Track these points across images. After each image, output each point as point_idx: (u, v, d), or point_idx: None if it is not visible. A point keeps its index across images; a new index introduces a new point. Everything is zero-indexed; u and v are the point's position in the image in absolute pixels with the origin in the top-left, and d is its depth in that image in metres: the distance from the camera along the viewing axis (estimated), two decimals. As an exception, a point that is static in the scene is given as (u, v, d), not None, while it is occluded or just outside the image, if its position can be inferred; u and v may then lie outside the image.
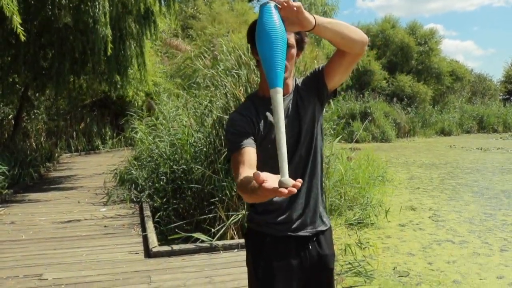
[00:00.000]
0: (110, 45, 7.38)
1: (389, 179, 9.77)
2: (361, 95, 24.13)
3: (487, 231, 5.96)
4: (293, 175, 1.32)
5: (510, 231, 5.91)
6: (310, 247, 1.84)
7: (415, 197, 8.26)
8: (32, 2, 8.40)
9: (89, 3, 7.42)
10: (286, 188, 1.17)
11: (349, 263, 4.52)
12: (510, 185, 9.38)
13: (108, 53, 7.47)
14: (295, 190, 1.17)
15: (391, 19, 31.22)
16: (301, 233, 1.82)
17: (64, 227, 5.69)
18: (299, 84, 1.85)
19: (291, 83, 1.82)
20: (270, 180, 1.21)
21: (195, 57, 7.59)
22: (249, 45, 1.82)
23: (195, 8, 23.26)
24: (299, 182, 1.18)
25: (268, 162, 1.65)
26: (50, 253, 4.62)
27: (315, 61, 17.95)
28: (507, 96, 40.34)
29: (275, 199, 1.72)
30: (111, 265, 4.25)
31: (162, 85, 14.92)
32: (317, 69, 1.83)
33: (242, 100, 5.18)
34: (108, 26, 7.32)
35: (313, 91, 1.82)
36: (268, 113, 1.77)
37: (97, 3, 7.27)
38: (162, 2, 9.04)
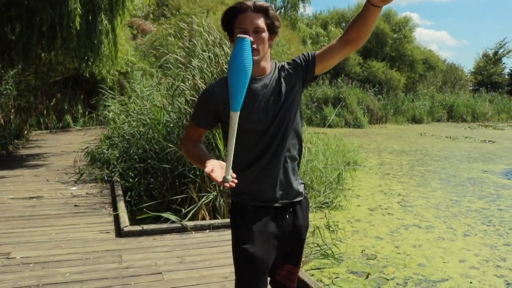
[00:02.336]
0: (78, 19, 7.18)
1: (361, 164, 9.94)
2: (334, 80, 24.27)
3: (452, 216, 6.15)
4: (268, 148, 1.88)
5: (474, 217, 6.12)
6: (287, 217, 1.98)
7: (385, 182, 8.44)
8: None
9: None
10: (228, 182, 1.61)
11: (318, 245, 4.60)
12: (475, 173, 9.67)
13: (77, 28, 7.27)
14: (233, 185, 1.62)
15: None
16: (277, 204, 1.95)
17: (33, 205, 5.59)
18: (286, 66, 1.96)
19: (267, 65, 1.93)
20: (216, 170, 1.63)
21: (170, 36, 7.47)
22: (226, 33, 1.97)
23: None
24: (233, 183, 1.62)
25: (241, 140, 1.78)
26: (18, 232, 4.54)
27: (289, 43, 17.93)
28: (476, 87, 41.29)
29: (250, 174, 1.92)
30: (81, 244, 4.22)
31: (136, 64, 14.69)
32: (308, 56, 1.94)
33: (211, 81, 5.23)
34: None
35: (299, 74, 1.94)
36: (247, 94, 1.79)
37: None
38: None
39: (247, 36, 1.65)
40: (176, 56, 5.91)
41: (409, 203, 6.87)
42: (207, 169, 1.61)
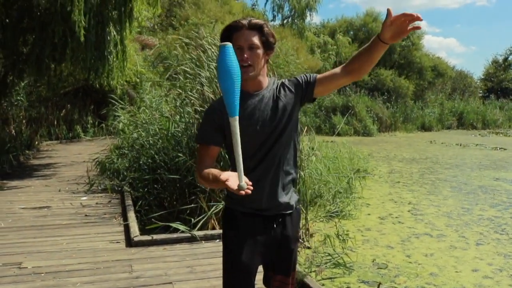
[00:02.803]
0: (82, 31, 7.25)
1: (370, 172, 9.90)
2: (343, 89, 24.25)
3: (464, 225, 6.09)
4: (261, 160, 1.95)
5: (486, 226, 6.05)
6: (275, 226, 2.03)
7: (395, 190, 8.38)
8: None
9: None
10: (243, 190, 1.65)
11: (329, 254, 4.58)
12: (487, 180, 9.58)
13: (81, 39, 7.35)
14: (249, 191, 1.66)
15: (373, 12, 31.35)
16: (266, 213, 2.02)
17: (44, 215, 5.63)
18: (285, 83, 2.03)
19: (263, 80, 2.01)
20: (231, 179, 1.66)
21: (178, 47, 7.52)
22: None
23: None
24: (249, 189, 1.66)
25: (243, 150, 1.87)
26: (30, 242, 4.58)
27: (296, 52, 17.94)
28: (486, 94, 41.01)
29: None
30: (92, 254, 4.23)
31: (144, 74, 14.78)
32: (309, 78, 2.01)
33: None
34: (82, 11, 7.17)
35: (298, 94, 2.01)
36: (240, 108, 1.88)
37: None
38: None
39: (228, 43, 1.75)
40: (184, 68, 5.93)
41: (420, 212, 6.81)
42: (222, 177, 1.66)
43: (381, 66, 27.85)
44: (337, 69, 1.97)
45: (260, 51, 1.93)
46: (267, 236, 2.02)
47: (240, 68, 1.82)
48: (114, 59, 9.14)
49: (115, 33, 8.73)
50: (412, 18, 1.69)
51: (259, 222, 2.01)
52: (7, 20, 8.71)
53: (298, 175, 2.21)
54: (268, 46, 1.96)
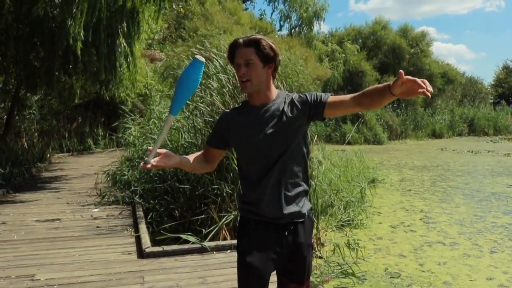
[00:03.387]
0: (80, 45, 7.32)
1: (381, 180, 9.84)
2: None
3: (477, 233, 6.02)
4: (269, 171, 2.01)
5: (500, 233, 5.98)
6: (286, 234, 2.06)
7: (407, 199, 8.33)
8: (23, 0, 8.34)
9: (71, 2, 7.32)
10: (147, 164, 1.92)
11: (338, 264, 4.55)
12: (500, 187, 9.48)
13: (78, 53, 7.42)
14: (146, 167, 1.93)
15: (381, 21, 31.29)
16: (279, 222, 2.05)
17: (56, 227, 5.67)
18: (295, 98, 2.07)
19: (269, 94, 2.06)
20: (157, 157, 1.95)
21: (187, 58, 7.58)
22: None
23: (188, 8, 23.23)
24: (149, 165, 1.92)
25: (245, 164, 2.11)
26: (43, 254, 4.60)
27: (305, 61, 17.95)
28: (497, 100, 40.68)
29: (255, 193, 2.06)
30: (104, 266, 4.25)
31: (154, 86, 14.90)
32: (320, 98, 2.03)
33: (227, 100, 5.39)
34: (82, 25, 7.23)
35: (305, 111, 2.03)
36: (248, 120, 2.05)
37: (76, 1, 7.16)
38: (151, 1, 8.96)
39: (201, 59, 1.92)
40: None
41: (432, 220, 6.75)
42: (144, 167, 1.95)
43: (390, 73, 27.78)
44: (348, 97, 2.02)
45: (258, 66, 1.99)
46: (279, 243, 2.05)
47: (240, 83, 2.01)
48: (125, 71, 9.24)
49: (125, 45, 8.82)
50: (421, 88, 1.74)
51: (272, 230, 2.05)
52: (19, 35, 8.84)
53: (310, 187, 2.22)
54: (266, 59, 2.00)
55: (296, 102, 2.05)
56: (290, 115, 2.02)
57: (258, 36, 2.02)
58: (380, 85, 1.94)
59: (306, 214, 2.11)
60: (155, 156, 1.93)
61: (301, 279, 2.13)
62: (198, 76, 1.93)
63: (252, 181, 2.06)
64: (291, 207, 2.05)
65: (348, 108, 2.03)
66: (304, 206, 2.11)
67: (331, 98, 2.03)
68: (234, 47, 2.03)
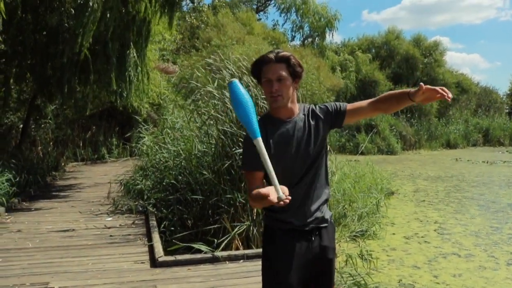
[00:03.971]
0: (85, 51, 7.40)
1: (395, 191, 9.76)
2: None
3: (493, 244, 5.94)
4: (301, 183, 2.08)
5: (516, 245, 5.89)
6: (313, 239, 2.12)
7: (421, 209, 8.24)
8: (40, 11, 8.49)
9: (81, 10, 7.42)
10: (283, 200, 1.78)
11: (350, 274, 4.50)
12: (516, 198, 9.34)
13: (81, 58, 7.50)
14: (287, 201, 1.79)
15: (394, 31, 31.21)
16: (305, 228, 2.11)
17: (70, 236, 5.71)
18: (316, 110, 2.17)
19: (294, 107, 2.14)
20: (271, 194, 1.79)
21: (200, 69, 7.64)
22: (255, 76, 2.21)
23: (201, 18, 23.43)
24: (288, 199, 1.80)
25: (278, 173, 1.97)
26: (57, 262, 4.64)
27: (317, 70, 17.94)
28: (513, 109, 40.14)
29: (286, 206, 2.01)
30: (117, 274, 4.26)
31: (168, 96, 15.01)
32: (339, 107, 2.16)
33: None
34: (92, 34, 7.31)
35: (327, 121, 2.15)
36: (276, 134, 2.09)
37: (88, 9, 7.25)
38: (165, 11, 9.03)
39: (234, 79, 1.97)
40: (208, 89, 6.00)
41: (447, 231, 6.67)
42: (263, 193, 1.80)
43: (403, 83, 27.63)
44: (365, 103, 2.16)
45: (289, 82, 2.06)
46: (306, 249, 2.10)
47: (270, 98, 2.06)
48: (137, 81, 9.31)
49: (136, 54, 8.88)
50: (443, 96, 1.91)
51: (298, 237, 2.10)
52: (35, 45, 8.98)
53: (330, 194, 2.28)
54: (295, 75, 2.09)
55: (319, 113, 2.15)
56: (317, 127, 2.12)
57: (288, 53, 2.09)
58: (397, 91, 2.11)
59: (329, 219, 2.20)
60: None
61: (328, 285, 2.18)
62: (240, 94, 1.94)
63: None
64: (317, 213, 2.13)
65: (366, 114, 2.20)
66: (326, 212, 2.20)
67: (349, 106, 2.17)
68: (263, 63, 2.07)
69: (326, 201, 2.21)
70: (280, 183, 1.97)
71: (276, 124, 2.09)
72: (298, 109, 2.15)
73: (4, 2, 5.75)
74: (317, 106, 2.19)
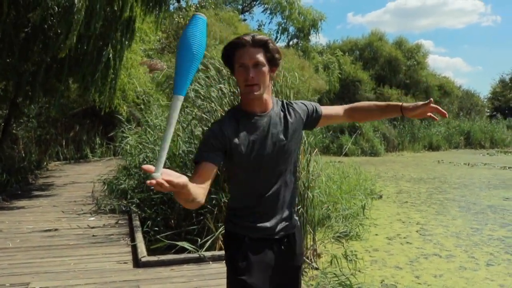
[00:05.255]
0: (66, 51, 7.31)
1: (378, 192, 9.84)
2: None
3: (473, 245, 6.03)
4: (273, 184, 1.91)
5: (496, 246, 5.99)
6: (283, 247, 1.99)
7: (403, 211, 8.33)
8: (22, 8, 8.35)
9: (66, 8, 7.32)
10: (155, 179, 1.39)
11: (335, 275, 4.54)
12: (496, 200, 9.50)
13: (63, 55, 7.40)
14: (152, 182, 1.38)
15: (378, 33, 31.56)
16: (276, 236, 1.97)
17: (52, 235, 5.64)
18: (293, 106, 2.01)
19: (269, 100, 1.93)
20: (151, 169, 1.43)
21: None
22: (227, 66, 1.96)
23: (187, 18, 23.33)
24: (160, 181, 1.39)
25: (248, 177, 1.89)
26: (38, 262, 4.58)
27: (301, 70, 18.04)
28: (494, 113, 40.84)
29: (253, 208, 1.93)
30: (99, 275, 4.22)
31: (152, 95, 14.91)
32: (316, 109, 2.06)
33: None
34: (75, 33, 7.22)
35: (303, 119, 2.02)
36: (250, 131, 1.87)
37: (73, 9, 7.15)
38: (151, 10, 8.95)
39: (202, 15, 1.62)
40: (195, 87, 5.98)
41: (428, 232, 6.76)
42: (145, 167, 1.44)
43: (387, 86, 27.90)
44: (340, 110, 2.10)
45: (266, 69, 1.84)
46: (276, 257, 1.98)
47: (244, 88, 1.81)
48: (116, 79, 9.19)
49: (115, 54, 8.74)
50: (439, 112, 1.94)
51: (268, 245, 1.96)
52: (16, 42, 8.84)
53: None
54: (273, 62, 1.87)
55: (297, 109, 1.99)
56: (295, 122, 1.96)
57: (266, 37, 1.86)
58: (382, 103, 2.05)
59: (297, 224, 2.08)
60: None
61: None
62: (202, 37, 1.59)
63: (252, 194, 1.93)
64: (287, 220, 2.00)
65: (339, 120, 2.15)
66: (294, 217, 2.06)
67: (324, 110, 2.06)
68: (237, 46, 1.83)
69: (295, 205, 2.09)
70: (254, 186, 1.89)
71: (249, 119, 1.87)
72: (272, 103, 1.95)
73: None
74: (293, 102, 2.02)
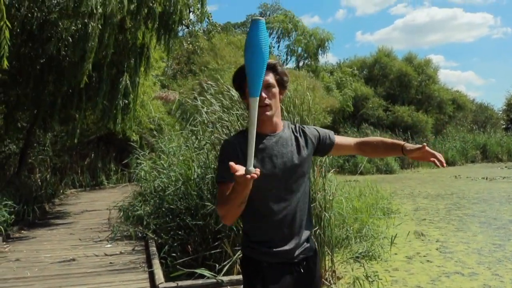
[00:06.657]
0: (85, 80, 7.44)
1: (395, 210, 9.71)
2: (361, 128, 24.32)
3: (496, 262, 5.88)
4: (286, 200, 1.92)
5: (520, 262, 5.84)
6: (302, 271, 1.99)
7: (422, 228, 8.19)
8: (36, 40, 8.55)
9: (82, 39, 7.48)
10: (250, 174, 1.55)
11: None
12: (517, 214, 9.30)
13: (82, 85, 7.53)
14: (255, 176, 1.56)
15: (385, 50, 31.52)
16: (294, 260, 1.98)
17: (70, 264, 5.65)
18: (305, 130, 2.08)
19: (279, 122, 2.00)
20: (240, 170, 1.56)
21: (197, 93, 7.69)
22: (238, 91, 2.05)
23: (197, 44, 23.66)
24: (258, 172, 1.57)
25: (256, 192, 1.84)
26: (56, 291, 4.58)
27: (313, 91, 18.10)
28: (509, 125, 40.30)
29: (269, 231, 1.94)
30: (117, 303, 4.21)
31: (165, 121, 15.04)
32: (329, 137, 2.11)
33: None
34: (90, 60, 7.34)
35: (315, 146, 2.08)
36: (259, 150, 1.90)
37: (90, 38, 7.32)
38: (161, 36, 9.09)
39: (262, 18, 1.70)
40: (206, 111, 6.01)
41: (449, 249, 6.62)
42: (233, 166, 1.56)
43: (399, 103, 27.73)
44: (353, 142, 2.16)
45: (276, 90, 1.94)
46: (294, 283, 1.97)
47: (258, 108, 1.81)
48: (130, 107, 9.31)
49: (129, 81, 8.87)
50: (438, 160, 1.97)
51: (287, 270, 1.96)
52: (33, 73, 9.04)
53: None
54: (282, 84, 1.98)
55: (309, 134, 2.04)
56: (306, 145, 2.00)
57: (274, 60, 1.98)
58: (388, 140, 2.11)
59: (314, 247, 2.10)
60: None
61: None
62: (267, 40, 1.68)
63: (265, 218, 1.93)
64: (305, 243, 2.01)
65: (351, 151, 2.20)
66: (312, 239, 2.09)
67: (337, 139, 2.11)
68: None
69: (312, 228, 2.11)
70: (265, 206, 1.90)
71: (258, 139, 1.85)
72: (282, 125, 2.02)
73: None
74: (305, 126, 2.09)
